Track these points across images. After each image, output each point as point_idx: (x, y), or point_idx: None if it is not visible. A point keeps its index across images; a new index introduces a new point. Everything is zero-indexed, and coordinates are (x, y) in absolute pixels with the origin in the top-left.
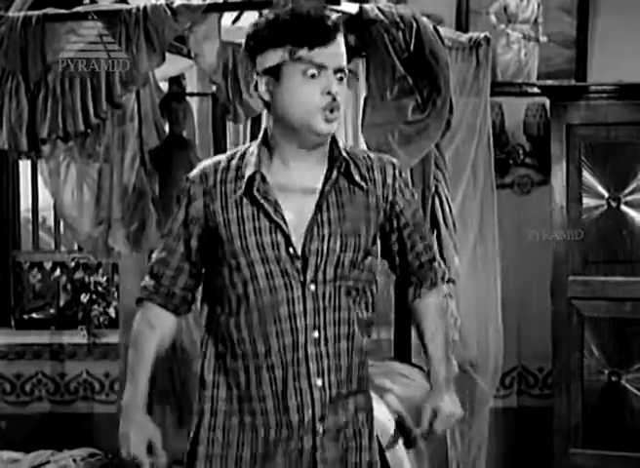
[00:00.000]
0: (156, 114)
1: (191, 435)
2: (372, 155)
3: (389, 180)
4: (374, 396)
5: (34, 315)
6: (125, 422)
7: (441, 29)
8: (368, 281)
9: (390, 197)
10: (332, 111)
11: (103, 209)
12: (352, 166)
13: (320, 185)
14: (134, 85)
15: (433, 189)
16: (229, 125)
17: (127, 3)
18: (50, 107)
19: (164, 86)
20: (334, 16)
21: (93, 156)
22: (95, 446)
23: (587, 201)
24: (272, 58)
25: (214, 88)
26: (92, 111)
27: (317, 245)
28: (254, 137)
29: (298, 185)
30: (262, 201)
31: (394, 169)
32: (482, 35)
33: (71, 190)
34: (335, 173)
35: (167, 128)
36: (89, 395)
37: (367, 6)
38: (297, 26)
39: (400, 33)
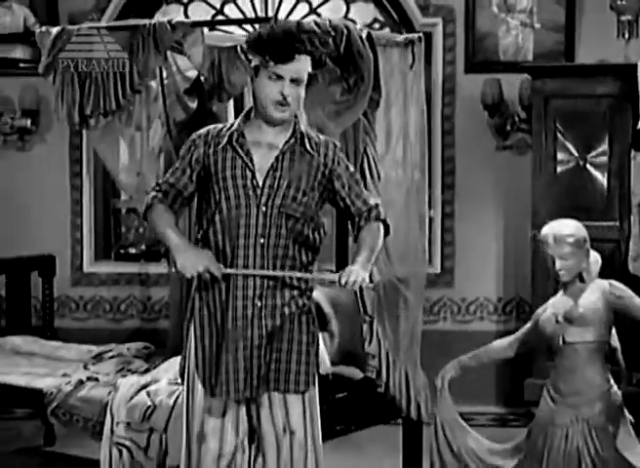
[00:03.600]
0: (180, 94)
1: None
2: (322, 137)
3: (330, 153)
4: None
5: (129, 250)
6: (185, 254)
7: (379, 32)
8: (304, 214)
9: (329, 164)
10: (282, 105)
11: (137, 164)
12: (306, 138)
13: (281, 144)
14: (147, 76)
15: (362, 150)
16: (247, 102)
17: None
18: (93, 92)
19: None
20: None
21: (127, 126)
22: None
23: (561, 160)
24: (254, 60)
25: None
26: (120, 95)
27: (271, 181)
28: None
29: (265, 142)
30: (238, 148)
31: (335, 147)
32: (416, 36)
33: (112, 151)
34: (293, 139)
35: (194, 105)
36: (169, 314)
37: (304, 20)
38: (270, 46)
39: (331, 39)
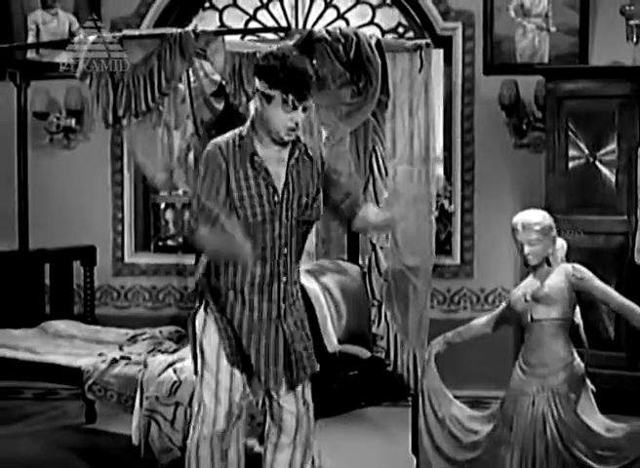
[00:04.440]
0: (207, 97)
1: (202, 305)
2: (308, 140)
3: (321, 155)
4: (311, 277)
5: (167, 242)
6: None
7: (388, 39)
8: (312, 217)
9: (323, 165)
10: (293, 131)
11: (167, 160)
12: (307, 147)
13: (286, 157)
14: (173, 80)
15: (371, 147)
16: None
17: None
18: (125, 95)
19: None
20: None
21: (157, 125)
22: None
23: (572, 157)
24: (270, 91)
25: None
26: (150, 98)
27: (287, 195)
28: None
29: (274, 157)
30: (259, 168)
31: (320, 149)
32: (424, 41)
33: (144, 149)
34: (297, 152)
35: (221, 106)
36: None
37: (315, 29)
38: (293, 85)
39: (341, 46)
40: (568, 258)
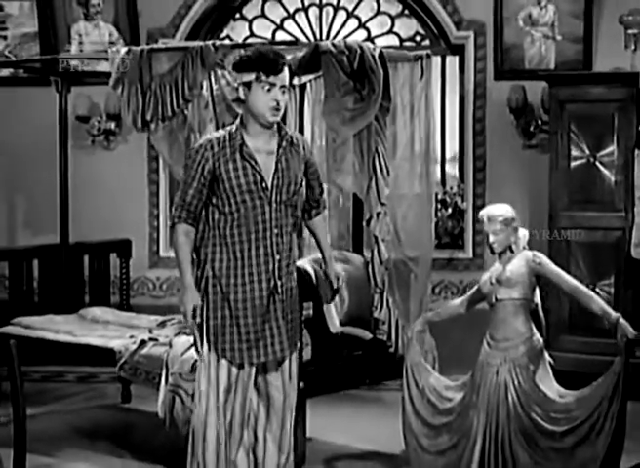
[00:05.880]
0: (229, 103)
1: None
2: (298, 135)
3: (307, 146)
4: (316, 265)
5: None
6: (187, 294)
7: (391, 50)
8: (298, 202)
9: (307, 155)
10: (276, 110)
11: None
12: (293, 138)
13: (275, 149)
14: (195, 88)
15: (374, 148)
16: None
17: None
18: (152, 102)
19: None
20: (288, 57)
21: (182, 128)
22: None
23: (574, 157)
24: (247, 77)
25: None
26: (175, 104)
27: (276, 182)
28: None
29: (263, 149)
30: (248, 158)
31: (305, 140)
32: (424, 52)
33: (171, 150)
34: (284, 142)
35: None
36: None
37: (322, 43)
38: (262, 63)
39: (345, 57)
40: (570, 252)
